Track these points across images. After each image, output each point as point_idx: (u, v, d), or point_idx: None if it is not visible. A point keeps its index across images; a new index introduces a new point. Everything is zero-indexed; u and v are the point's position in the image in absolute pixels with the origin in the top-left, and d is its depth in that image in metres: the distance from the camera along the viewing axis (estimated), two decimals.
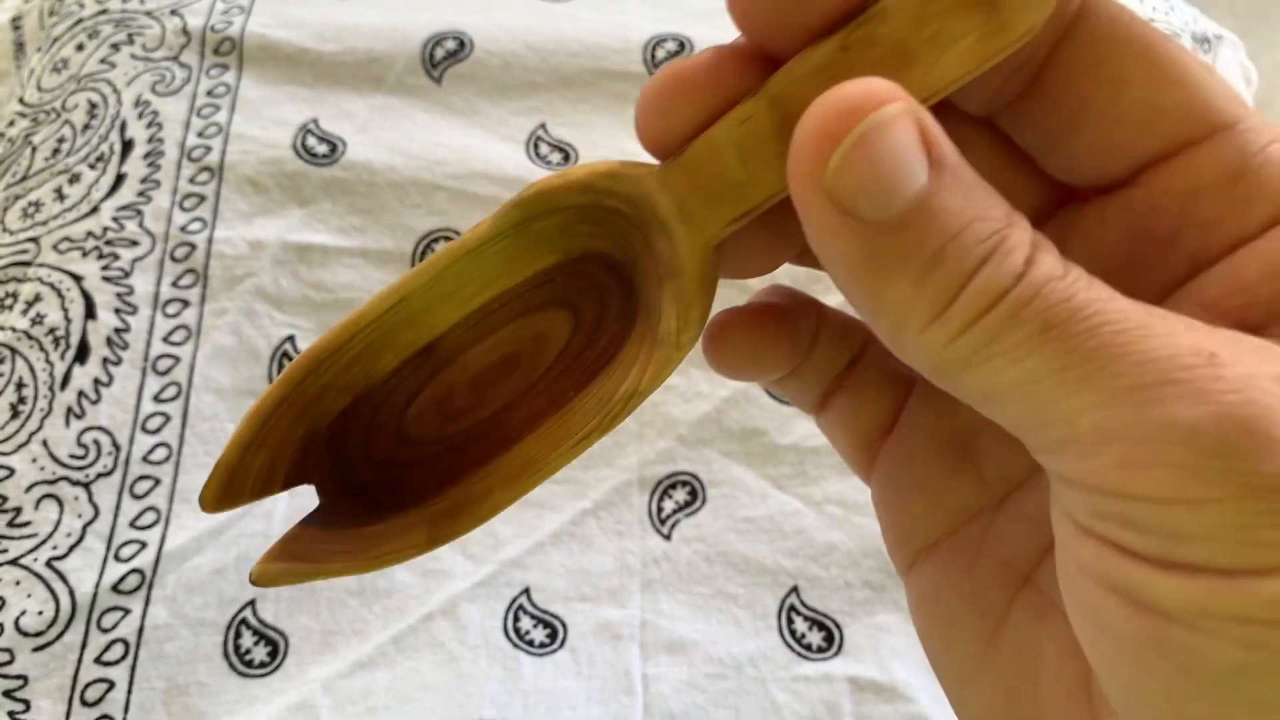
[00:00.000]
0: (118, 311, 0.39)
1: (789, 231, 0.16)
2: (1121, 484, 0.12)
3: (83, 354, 0.38)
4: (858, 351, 0.20)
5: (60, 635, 0.33)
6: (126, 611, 0.34)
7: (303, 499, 0.38)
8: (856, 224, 0.13)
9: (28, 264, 0.40)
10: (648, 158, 0.16)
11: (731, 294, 0.32)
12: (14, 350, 0.38)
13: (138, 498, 0.36)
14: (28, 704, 0.32)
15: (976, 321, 0.13)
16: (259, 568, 0.16)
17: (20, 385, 0.37)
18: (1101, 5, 0.16)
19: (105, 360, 0.38)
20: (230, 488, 0.16)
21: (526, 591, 0.36)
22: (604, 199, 0.16)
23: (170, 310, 0.39)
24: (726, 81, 0.15)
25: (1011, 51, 0.14)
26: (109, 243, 0.40)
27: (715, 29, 0.48)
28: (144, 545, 0.35)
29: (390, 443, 0.17)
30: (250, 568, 0.35)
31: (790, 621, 0.36)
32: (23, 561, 0.34)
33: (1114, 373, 0.12)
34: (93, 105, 0.44)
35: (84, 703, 0.32)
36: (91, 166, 0.42)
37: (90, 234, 0.40)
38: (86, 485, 0.35)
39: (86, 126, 0.44)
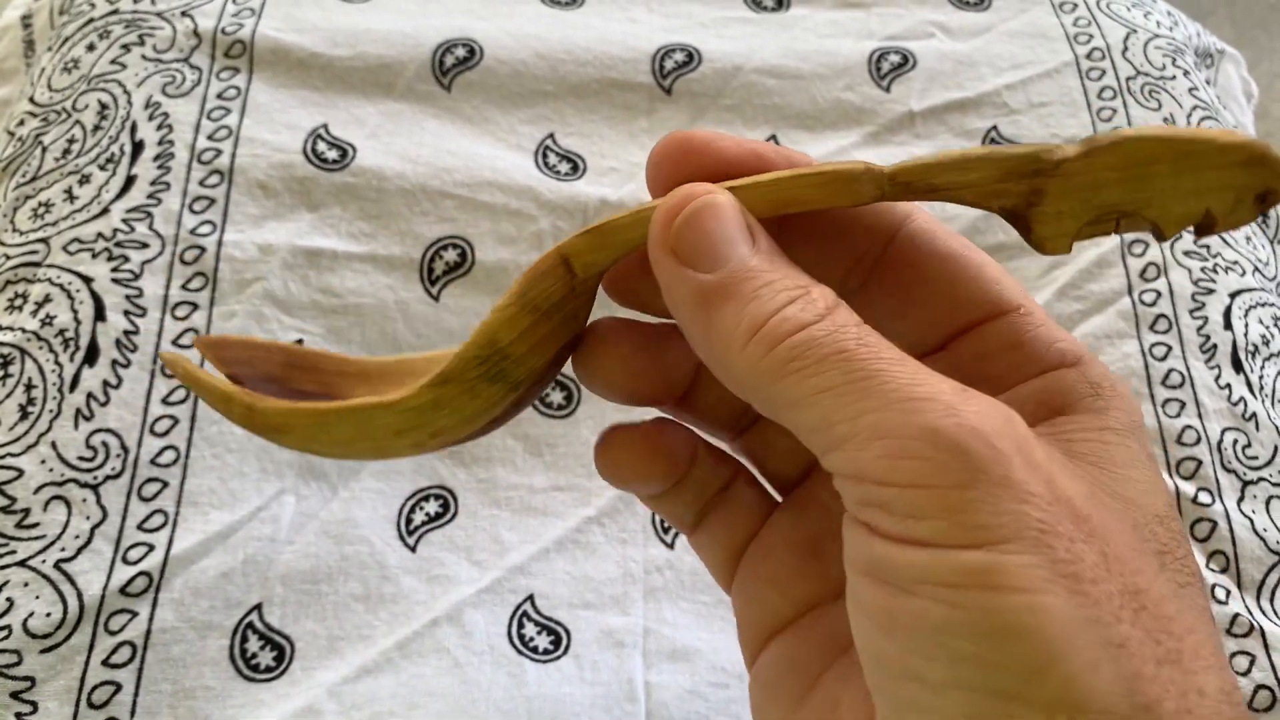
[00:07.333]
0: (127, 314, 0.39)
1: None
2: (883, 472, 0.15)
3: (92, 356, 0.38)
4: (730, 478, 0.24)
5: (68, 637, 0.33)
6: (134, 614, 0.34)
7: (297, 495, 0.37)
8: (692, 275, 0.18)
9: (37, 265, 0.40)
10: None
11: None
12: (23, 351, 0.38)
13: (146, 500, 0.36)
14: (35, 705, 0.32)
15: (784, 340, 0.17)
16: (175, 354, 0.22)
17: (29, 386, 0.37)
18: (918, 220, 0.21)
19: (114, 362, 0.38)
20: (209, 354, 0.22)
21: (530, 598, 0.36)
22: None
23: (180, 313, 0.40)
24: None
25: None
26: (119, 244, 0.40)
27: (724, 40, 0.49)
28: (151, 548, 0.35)
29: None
30: (256, 571, 0.35)
31: None
32: (31, 563, 0.34)
33: (891, 388, 0.16)
34: (103, 106, 0.45)
35: (91, 705, 0.32)
36: (102, 168, 0.42)
37: (100, 235, 0.40)
38: (95, 487, 0.36)
39: (97, 127, 0.44)
